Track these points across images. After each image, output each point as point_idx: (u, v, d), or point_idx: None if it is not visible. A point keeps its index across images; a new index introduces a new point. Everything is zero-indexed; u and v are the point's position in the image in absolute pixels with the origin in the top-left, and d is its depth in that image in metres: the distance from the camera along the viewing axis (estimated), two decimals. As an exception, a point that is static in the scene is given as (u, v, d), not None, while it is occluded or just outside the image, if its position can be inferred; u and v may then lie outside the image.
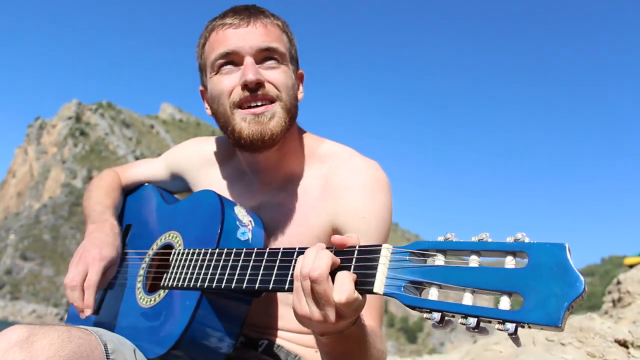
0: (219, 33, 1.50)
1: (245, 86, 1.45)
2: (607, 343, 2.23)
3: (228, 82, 1.48)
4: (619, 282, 4.56)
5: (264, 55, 1.48)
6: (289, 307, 1.54)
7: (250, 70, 1.44)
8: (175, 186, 1.94)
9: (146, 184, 1.96)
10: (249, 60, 1.46)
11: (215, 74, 1.50)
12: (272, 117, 1.46)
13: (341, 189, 1.51)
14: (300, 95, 1.60)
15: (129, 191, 1.99)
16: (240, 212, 1.51)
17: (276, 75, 1.48)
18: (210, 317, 1.38)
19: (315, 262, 1.07)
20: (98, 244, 1.57)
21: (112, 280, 1.67)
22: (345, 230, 1.49)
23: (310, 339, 1.54)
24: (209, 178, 1.78)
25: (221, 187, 1.72)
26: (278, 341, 1.56)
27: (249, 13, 1.51)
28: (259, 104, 1.46)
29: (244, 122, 1.47)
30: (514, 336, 0.82)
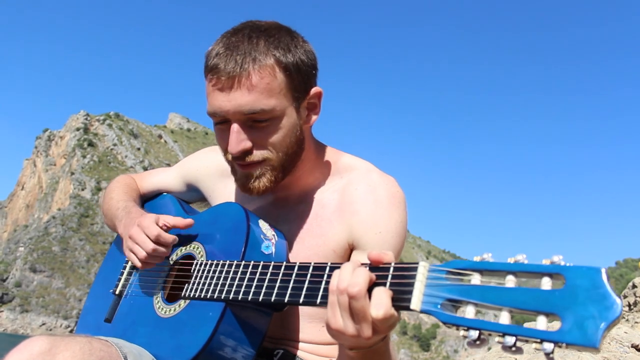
0: (209, 87, 1.44)
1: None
2: (624, 348, 2.22)
3: (223, 143, 1.50)
4: (634, 286, 4.49)
5: (252, 118, 1.43)
6: (305, 319, 1.56)
7: (232, 143, 1.44)
8: (189, 196, 1.93)
9: (164, 193, 1.95)
10: (234, 128, 1.43)
11: (214, 123, 1.51)
12: (259, 177, 1.48)
13: (358, 204, 1.51)
14: (313, 119, 1.55)
15: (146, 199, 1.98)
16: (264, 225, 1.51)
17: (266, 136, 1.44)
18: (233, 329, 1.38)
19: (353, 278, 1.07)
20: (134, 222, 1.59)
21: (128, 289, 1.68)
22: (361, 245, 1.49)
23: (325, 349, 1.55)
24: (226, 189, 1.77)
25: (238, 199, 1.71)
26: (293, 351, 1.56)
27: (235, 65, 1.40)
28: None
29: (235, 175, 1.53)
30: (550, 356, 0.83)
